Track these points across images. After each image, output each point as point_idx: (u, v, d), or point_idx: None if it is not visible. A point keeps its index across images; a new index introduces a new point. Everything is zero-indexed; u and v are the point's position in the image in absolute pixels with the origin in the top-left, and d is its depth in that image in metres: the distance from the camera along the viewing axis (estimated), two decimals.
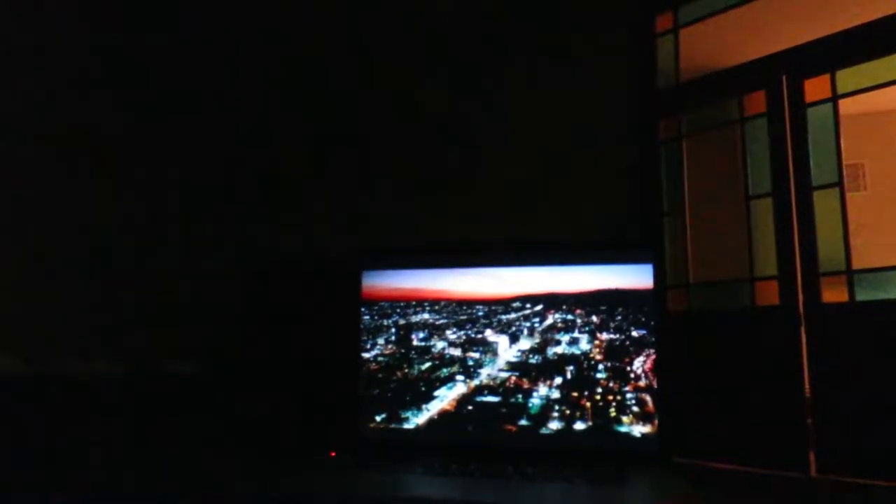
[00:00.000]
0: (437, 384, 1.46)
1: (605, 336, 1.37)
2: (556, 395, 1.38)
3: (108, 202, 2.87)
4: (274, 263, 2.56)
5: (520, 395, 1.39)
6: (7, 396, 1.56)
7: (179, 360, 1.66)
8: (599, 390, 1.35)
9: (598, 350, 1.38)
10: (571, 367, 1.39)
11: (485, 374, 1.46)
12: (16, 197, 2.59)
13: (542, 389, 1.39)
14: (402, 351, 1.57)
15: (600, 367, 1.36)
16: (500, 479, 1.16)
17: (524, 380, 1.43)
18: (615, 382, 1.34)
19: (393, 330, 1.58)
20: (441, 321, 1.56)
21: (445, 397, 1.46)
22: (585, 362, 1.37)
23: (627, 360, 1.36)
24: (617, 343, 1.36)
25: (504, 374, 1.45)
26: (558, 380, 1.39)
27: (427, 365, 1.53)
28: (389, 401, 1.48)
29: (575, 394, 1.35)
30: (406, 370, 1.49)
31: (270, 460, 1.37)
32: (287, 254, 2.72)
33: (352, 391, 1.50)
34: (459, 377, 1.48)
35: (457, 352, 1.55)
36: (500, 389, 1.44)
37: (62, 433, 1.48)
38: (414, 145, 3.15)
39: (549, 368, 1.41)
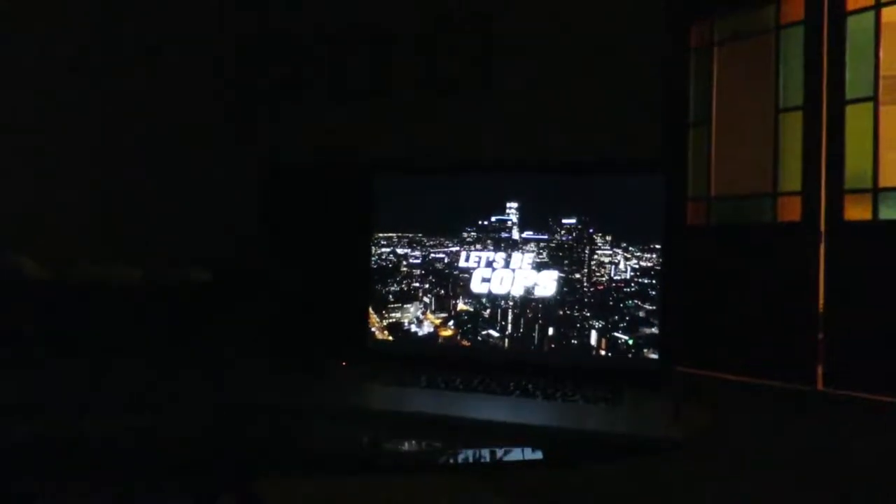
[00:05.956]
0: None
1: (608, 247, 1.37)
2: (555, 308, 1.39)
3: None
4: (281, 173, 2.55)
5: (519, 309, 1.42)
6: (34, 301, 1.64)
7: (189, 267, 1.70)
8: (599, 302, 1.36)
9: (599, 260, 1.38)
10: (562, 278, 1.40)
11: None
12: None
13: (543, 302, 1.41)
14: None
15: (604, 278, 1.37)
16: (499, 395, 1.20)
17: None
18: (618, 294, 1.35)
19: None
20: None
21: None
22: (586, 273, 1.38)
23: (633, 270, 1.36)
24: (621, 253, 1.36)
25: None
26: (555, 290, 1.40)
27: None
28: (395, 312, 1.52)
29: (573, 308, 1.37)
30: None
31: (281, 371, 1.43)
32: (294, 163, 2.69)
33: (359, 301, 1.53)
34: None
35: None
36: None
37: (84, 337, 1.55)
38: (430, 46, 3.02)
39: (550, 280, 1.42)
